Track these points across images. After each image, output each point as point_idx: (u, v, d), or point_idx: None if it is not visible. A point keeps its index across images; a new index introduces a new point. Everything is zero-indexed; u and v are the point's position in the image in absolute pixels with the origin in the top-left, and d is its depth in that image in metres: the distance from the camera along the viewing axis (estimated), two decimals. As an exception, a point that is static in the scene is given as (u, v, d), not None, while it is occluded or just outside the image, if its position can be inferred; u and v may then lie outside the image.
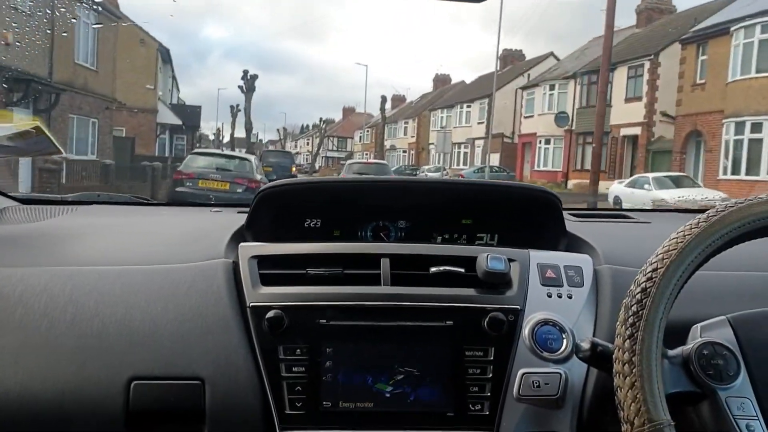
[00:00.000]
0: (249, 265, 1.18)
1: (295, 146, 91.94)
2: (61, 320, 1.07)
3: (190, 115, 30.88)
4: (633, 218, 1.79)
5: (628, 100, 27.14)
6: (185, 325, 1.08)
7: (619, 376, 0.78)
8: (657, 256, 0.83)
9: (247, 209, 1.43)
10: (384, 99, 48.18)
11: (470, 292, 1.15)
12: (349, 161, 22.62)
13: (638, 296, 0.80)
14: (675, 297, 0.81)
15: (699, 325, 0.94)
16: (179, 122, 28.27)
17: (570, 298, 1.17)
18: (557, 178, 30.22)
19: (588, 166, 29.25)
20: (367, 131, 58.32)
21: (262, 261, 1.20)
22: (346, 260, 1.21)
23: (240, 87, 37.79)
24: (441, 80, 54.83)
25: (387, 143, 50.07)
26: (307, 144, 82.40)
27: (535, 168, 32.68)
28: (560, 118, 30.66)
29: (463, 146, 40.99)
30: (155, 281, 1.15)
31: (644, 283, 0.81)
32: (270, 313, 1.08)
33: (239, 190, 11.09)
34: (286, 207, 1.43)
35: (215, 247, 1.26)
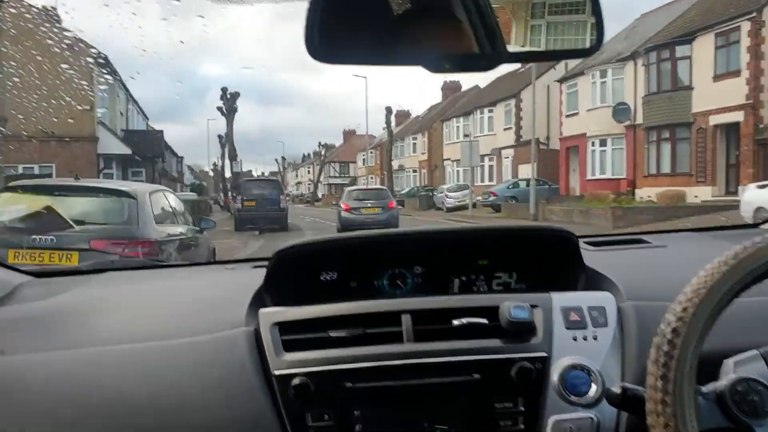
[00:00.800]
0: (271, 332, 1.19)
1: (296, 176, 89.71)
2: (88, 406, 1.08)
3: (147, 143, 24.41)
4: (648, 242, 1.77)
5: (718, 77, 20.51)
6: (212, 397, 1.09)
7: (652, 415, 0.79)
8: (686, 294, 0.83)
9: (262, 263, 1.61)
10: (389, 110, 41.54)
11: (495, 342, 1.16)
12: (348, 188, 22.39)
13: (669, 336, 0.81)
14: (706, 335, 0.81)
15: (732, 360, 0.93)
16: (128, 151, 21.67)
17: (595, 339, 1.18)
18: (620, 187, 23.54)
19: (666, 168, 22.63)
20: (371, 152, 53.63)
21: (284, 326, 1.21)
22: (366, 319, 1.22)
23: (219, 108, 31.88)
24: (451, 88, 48.56)
25: (394, 163, 44.48)
26: (308, 172, 79.96)
27: (589, 177, 25.90)
28: (619, 111, 24.15)
29: (487, 158, 34.16)
30: (179, 357, 1.16)
31: (675, 323, 0.81)
32: (295, 381, 1.09)
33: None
34: (303, 265, 1.44)
35: (235, 314, 1.27)
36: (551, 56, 1.05)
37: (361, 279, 1.46)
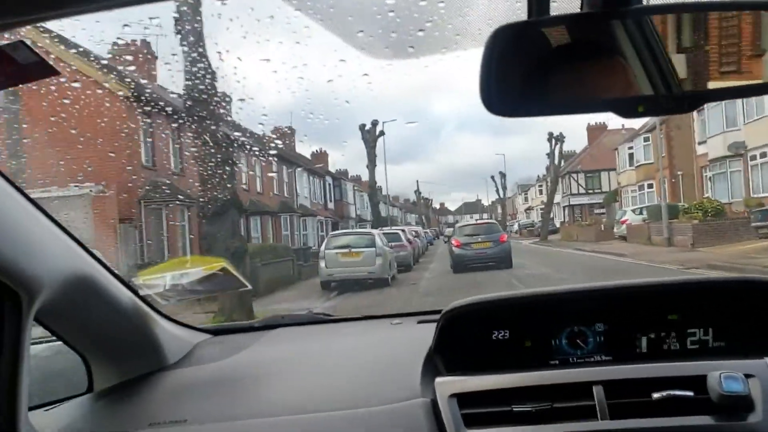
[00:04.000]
0: (449, 405, 1.15)
1: (526, 199, 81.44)
2: None
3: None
4: None
5: None
6: None
7: None
8: None
9: (427, 318, 1.59)
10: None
11: (705, 420, 1.04)
12: (458, 224, 22.03)
13: None
14: None
15: None
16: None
17: None
18: None
19: None
20: (644, 142, 35.04)
21: (462, 398, 1.16)
22: (553, 391, 1.13)
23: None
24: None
25: (701, 149, 28.36)
26: (540, 193, 69.96)
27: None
28: None
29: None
30: (355, 429, 1.13)
31: None
32: None
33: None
34: (473, 324, 1.37)
35: (409, 381, 1.24)
36: (747, 92, 0.96)
37: (537, 338, 1.36)
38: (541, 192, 75.27)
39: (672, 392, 1.07)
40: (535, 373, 1.19)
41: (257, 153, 23.87)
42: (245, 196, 21.62)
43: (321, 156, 47.02)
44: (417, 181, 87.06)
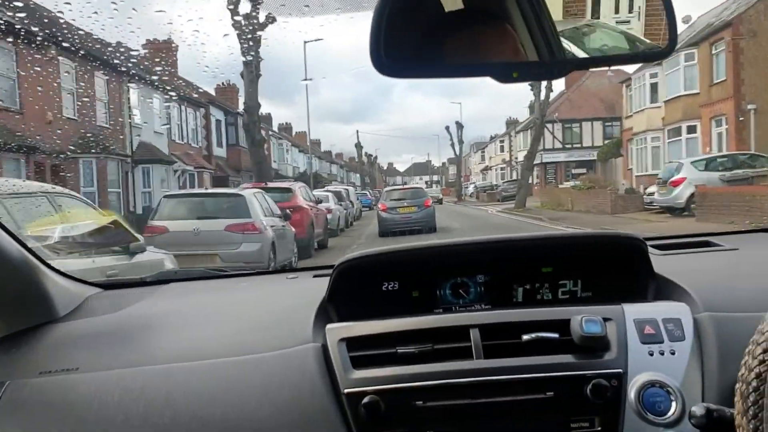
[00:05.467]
0: (339, 348, 1.19)
1: (482, 158, 72.54)
2: (162, 424, 1.08)
3: None
4: (719, 245, 1.71)
5: None
6: (285, 417, 1.08)
7: None
8: (765, 334, 0.76)
9: (322, 272, 1.63)
10: None
11: (568, 358, 1.13)
12: (386, 188, 22.59)
13: (754, 383, 0.75)
14: None
15: None
16: None
17: (673, 354, 1.13)
18: None
19: None
20: (688, 57, 24.22)
21: (351, 342, 1.20)
22: (434, 334, 1.20)
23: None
24: None
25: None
26: (501, 150, 61.65)
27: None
28: None
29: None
30: (248, 374, 1.16)
31: (758, 368, 0.75)
32: (366, 399, 1.08)
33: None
34: (364, 275, 1.43)
35: (301, 328, 1.26)
36: (622, 60, 1.04)
37: (423, 289, 1.45)
38: (502, 149, 63.18)
39: (539, 334, 1.16)
40: (418, 318, 1.27)
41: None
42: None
43: (228, 90, 33.52)
44: (357, 131, 73.05)
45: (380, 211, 18.08)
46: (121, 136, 20.16)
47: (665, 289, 1.35)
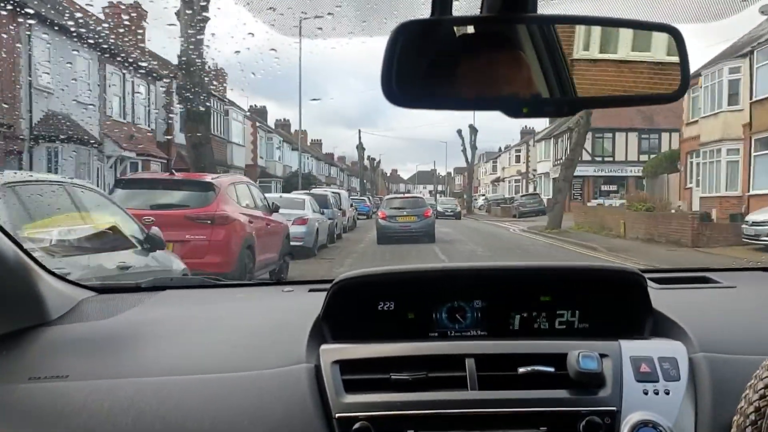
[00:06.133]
0: (332, 371, 1.19)
1: (494, 169, 65.25)
2: None
3: None
4: (717, 282, 1.71)
5: None
6: None
7: None
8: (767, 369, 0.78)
9: (318, 287, 1.62)
10: None
11: (562, 394, 1.13)
12: (387, 196, 22.68)
13: (752, 417, 0.76)
14: None
15: None
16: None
17: (667, 394, 1.13)
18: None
19: None
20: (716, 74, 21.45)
21: (345, 365, 1.20)
22: (429, 362, 1.20)
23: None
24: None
25: None
26: (517, 160, 54.79)
27: None
28: None
29: None
30: (240, 391, 1.15)
31: (757, 402, 0.76)
32: (357, 425, 1.07)
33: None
34: (361, 295, 1.43)
35: (295, 347, 1.25)
36: (632, 102, 1.03)
37: (419, 311, 1.43)
38: (518, 159, 57.22)
39: (536, 368, 1.16)
40: (414, 344, 1.26)
41: None
42: None
43: (214, 71, 27.79)
44: (359, 131, 64.58)
45: (379, 219, 17.83)
46: (15, 103, 14.31)
47: (662, 326, 1.35)
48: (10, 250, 1.35)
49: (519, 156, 57.05)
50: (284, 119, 55.18)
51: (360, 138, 60.73)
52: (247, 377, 1.16)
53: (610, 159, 40.68)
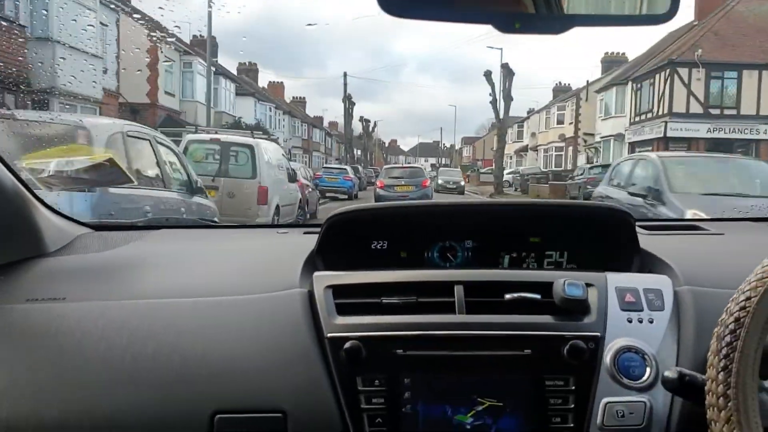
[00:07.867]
0: (324, 295, 1.20)
1: (519, 136, 53.92)
2: (143, 355, 1.09)
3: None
4: (706, 230, 1.76)
5: None
6: (266, 358, 1.09)
7: (712, 409, 0.77)
8: (750, 284, 0.80)
9: (312, 230, 1.63)
10: None
11: (548, 319, 1.15)
12: (386, 167, 22.66)
13: (731, 326, 0.78)
14: None
15: None
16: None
17: (651, 322, 1.16)
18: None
19: None
20: None
21: (337, 290, 1.22)
22: (419, 288, 1.22)
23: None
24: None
25: None
26: (559, 122, 42.23)
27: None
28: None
29: None
30: (232, 314, 1.17)
31: (737, 313, 0.78)
32: (347, 344, 1.09)
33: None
34: (354, 231, 1.46)
35: (289, 275, 1.27)
36: (625, 21, 1.04)
37: (412, 250, 1.48)
38: (560, 120, 42.93)
39: (522, 294, 1.18)
40: (405, 271, 1.29)
41: None
42: None
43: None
44: (345, 73, 43.90)
45: (377, 188, 18.69)
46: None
47: (649, 264, 1.38)
48: (9, 181, 1.37)
49: (563, 115, 42.52)
50: (277, 82, 41.91)
51: (345, 82, 42.84)
52: (241, 300, 1.18)
53: (733, 112, 26.43)
